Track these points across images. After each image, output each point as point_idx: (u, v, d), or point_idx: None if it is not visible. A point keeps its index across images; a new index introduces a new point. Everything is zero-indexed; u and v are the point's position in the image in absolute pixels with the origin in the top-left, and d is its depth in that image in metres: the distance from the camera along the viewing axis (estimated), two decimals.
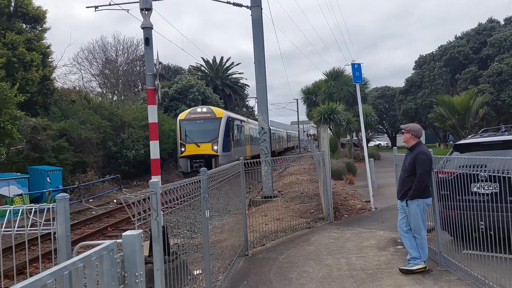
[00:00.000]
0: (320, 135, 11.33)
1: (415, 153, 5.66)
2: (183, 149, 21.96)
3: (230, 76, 48.97)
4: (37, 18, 21.54)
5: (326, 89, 28.91)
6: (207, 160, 21.09)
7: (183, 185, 4.18)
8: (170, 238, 6.10)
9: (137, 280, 2.36)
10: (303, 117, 52.04)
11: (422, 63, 46.06)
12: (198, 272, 5.92)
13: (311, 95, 32.37)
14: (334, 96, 27.94)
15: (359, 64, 11.27)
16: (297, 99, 55.91)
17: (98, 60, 41.03)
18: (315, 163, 11.53)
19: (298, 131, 68.71)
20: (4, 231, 2.84)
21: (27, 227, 2.83)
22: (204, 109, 23.65)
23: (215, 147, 21.69)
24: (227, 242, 6.30)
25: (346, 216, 9.92)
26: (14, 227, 2.76)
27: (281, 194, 13.34)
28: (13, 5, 20.73)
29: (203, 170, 5.00)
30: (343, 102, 27.37)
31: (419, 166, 5.55)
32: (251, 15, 13.54)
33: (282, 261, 6.52)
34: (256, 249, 7.35)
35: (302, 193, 11.52)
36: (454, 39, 43.65)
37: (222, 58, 49.02)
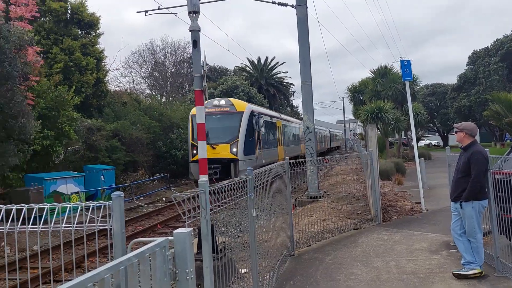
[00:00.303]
0: (367, 134, 11.09)
1: (470, 153, 5.41)
2: (194, 151, 17.51)
3: (274, 76, 49.03)
4: (91, 24, 22.66)
5: (373, 87, 28.26)
6: (225, 166, 17.37)
7: (230, 184, 4.25)
8: (217, 236, 6.21)
9: (187, 277, 2.42)
10: (350, 115, 51.05)
11: (476, 58, 43.86)
12: (244, 270, 5.98)
13: (357, 94, 31.77)
14: (382, 94, 27.23)
15: (408, 61, 10.91)
16: (343, 98, 55.05)
17: (147, 63, 42.50)
18: (362, 163, 11.29)
19: (344, 130, 67.37)
20: (64, 227, 3.01)
21: (85, 223, 2.98)
22: (222, 102, 19.12)
23: (234, 149, 17.43)
24: (273, 241, 6.33)
25: (395, 217, 9.64)
26: (74, 223, 2.93)
27: (327, 194, 13.18)
28: (69, 12, 21.93)
29: (249, 170, 5.04)
30: (391, 100, 26.62)
31: (474, 166, 5.30)
32: (296, 14, 13.49)
33: (329, 262, 6.45)
34: (302, 249, 7.32)
35: (349, 193, 11.33)
36: (511, 33, 41.20)
37: (266, 58, 49.20)
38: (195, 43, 6.72)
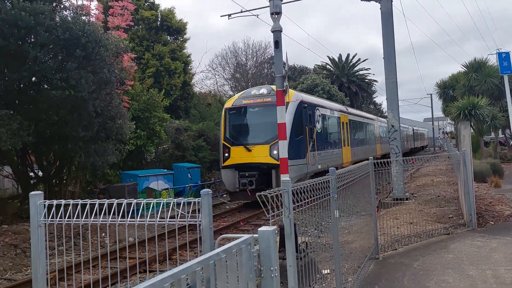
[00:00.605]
0: (459, 133, 10.35)
1: None
2: (226, 154, 14.35)
3: (356, 73, 47.85)
4: (179, 30, 24.02)
5: (465, 82, 26.33)
6: (263, 173, 13.77)
7: (312, 184, 4.24)
8: (298, 236, 6.22)
9: (272, 275, 2.47)
10: (439, 113, 47.91)
11: None
12: (326, 271, 5.93)
13: (447, 89, 29.88)
14: (476, 90, 25.25)
15: (507, 53, 10.01)
16: (431, 94, 51.89)
17: (230, 65, 43.81)
18: (453, 164, 10.57)
19: (432, 128, 63.35)
20: (158, 221, 3.24)
21: (177, 218, 3.18)
22: (263, 90, 15.12)
23: (275, 152, 13.21)
24: (356, 243, 6.19)
25: (492, 223, 8.88)
26: (167, 218, 3.14)
27: (414, 196, 12.57)
28: (159, 19, 23.44)
29: (332, 170, 4.98)
30: (486, 95, 24.57)
31: None
32: (380, 8, 13.03)
33: (416, 267, 6.14)
34: (387, 253, 7.06)
35: (438, 196, 10.69)
36: None
37: (348, 55, 48.22)
38: (277, 44, 6.80)
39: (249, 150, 13.95)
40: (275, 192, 3.20)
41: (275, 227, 2.62)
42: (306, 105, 14.83)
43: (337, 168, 5.40)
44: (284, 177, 6.84)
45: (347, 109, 21.68)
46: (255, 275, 2.47)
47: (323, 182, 4.55)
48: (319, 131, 16.01)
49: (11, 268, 8.00)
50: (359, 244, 6.22)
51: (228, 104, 15.46)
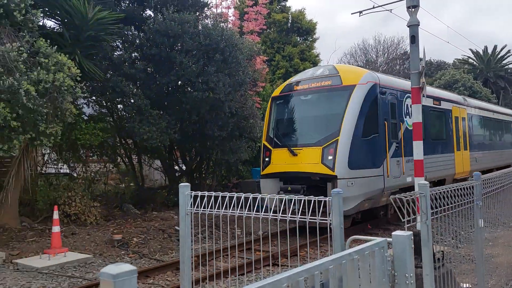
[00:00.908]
0: None
1: None
2: (267, 159, 10.70)
3: (505, 66, 42.36)
4: (308, 31, 24.27)
5: None
6: (313, 187, 9.80)
7: (453, 190, 3.95)
8: (433, 244, 5.82)
9: (407, 281, 2.38)
10: None
11: None
12: (466, 285, 5.43)
13: None
14: None
15: None
16: None
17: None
18: None
19: None
20: (290, 217, 3.36)
21: (307, 215, 3.27)
22: (322, 70, 10.98)
23: (330, 157, 9.53)
24: (502, 258, 5.56)
25: None
26: (298, 214, 3.25)
27: None
28: (290, 21, 24.01)
29: (476, 175, 4.55)
30: None
31: None
32: None
33: None
34: None
35: None
36: None
37: (495, 46, 42.92)
38: (413, 39, 6.45)
39: (295, 154, 10.13)
40: (411, 196, 3.07)
41: (411, 232, 2.51)
42: (384, 89, 10.28)
43: (445, 181, 4.27)
44: (420, 180, 6.45)
45: (465, 100, 16.26)
46: (388, 280, 2.41)
47: (466, 188, 4.21)
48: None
49: (159, 250, 9.08)
50: (506, 259, 5.57)
51: (276, 92, 11.69)
